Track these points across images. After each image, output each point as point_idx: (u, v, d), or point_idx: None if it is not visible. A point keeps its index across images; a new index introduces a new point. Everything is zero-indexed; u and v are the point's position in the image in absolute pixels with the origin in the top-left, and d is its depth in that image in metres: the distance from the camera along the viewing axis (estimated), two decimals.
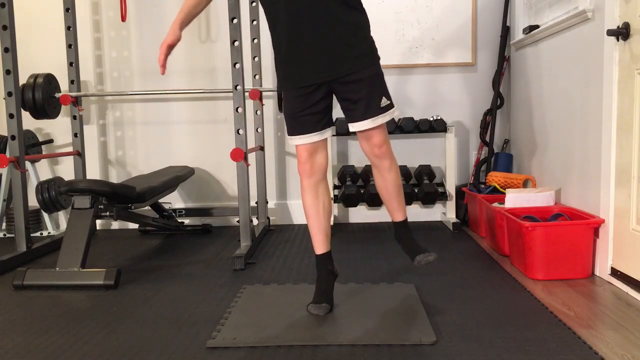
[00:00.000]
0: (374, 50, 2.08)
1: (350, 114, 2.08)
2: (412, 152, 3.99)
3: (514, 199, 2.96)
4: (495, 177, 3.57)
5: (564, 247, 2.51)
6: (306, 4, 1.96)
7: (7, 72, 3.04)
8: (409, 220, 2.29)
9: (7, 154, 3.39)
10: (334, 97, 2.12)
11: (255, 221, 3.75)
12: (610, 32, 2.36)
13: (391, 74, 3.92)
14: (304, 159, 2.12)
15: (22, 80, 3.51)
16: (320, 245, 2.19)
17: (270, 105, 3.98)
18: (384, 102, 2.06)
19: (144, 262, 3.08)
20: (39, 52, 4.00)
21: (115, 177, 4.11)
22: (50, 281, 2.59)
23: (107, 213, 2.83)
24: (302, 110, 2.08)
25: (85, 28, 3.97)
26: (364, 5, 2.08)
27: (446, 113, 3.96)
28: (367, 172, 3.79)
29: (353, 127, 2.08)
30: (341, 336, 1.92)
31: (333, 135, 3.66)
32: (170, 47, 2.16)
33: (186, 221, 3.98)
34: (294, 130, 2.12)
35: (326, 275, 2.22)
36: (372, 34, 2.11)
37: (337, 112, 2.52)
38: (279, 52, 2.08)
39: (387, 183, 2.18)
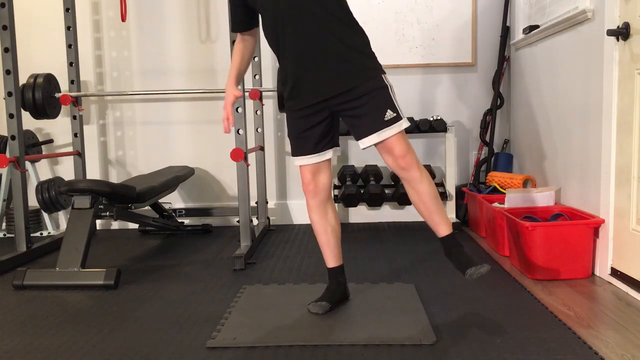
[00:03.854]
0: (375, 65, 2.02)
1: (356, 130, 2.03)
2: None
3: (514, 199, 2.97)
4: (495, 177, 3.56)
5: (564, 247, 2.51)
6: (305, 27, 1.96)
7: (7, 72, 3.04)
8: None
9: (7, 154, 3.39)
10: (339, 119, 2.12)
11: (255, 221, 3.75)
12: (610, 32, 2.36)
13: (391, 74, 3.88)
14: (307, 180, 2.13)
15: (22, 80, 3.52)
16: (329, 260, 2.24)
17: (270, 105, 3.98)
18: (389, 114, 1.96)
19: (144, 262, 3.08)
20: (39, 52, 4.00)
21: (115, 177, 4.11)
22: (50, 281, 2.60)
23: (107, 213, 2.83)
24: (304, 131, 2.08)
25: (85, 28, 3.97)
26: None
27: (446, 113, 3.96)
28: (367, 172, 3.79)
29: (362, 143, 2.01)
30: (341, 336, 1.92)
31: None
32: (232, 105, 2.15)
33: (186, 221, 3.98)
34: (297, 151, 2.13)
35: (336, 286, 2.24)
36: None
37: None
38: (283, 73, 2.08)
39: (422, 196, 2.01)
